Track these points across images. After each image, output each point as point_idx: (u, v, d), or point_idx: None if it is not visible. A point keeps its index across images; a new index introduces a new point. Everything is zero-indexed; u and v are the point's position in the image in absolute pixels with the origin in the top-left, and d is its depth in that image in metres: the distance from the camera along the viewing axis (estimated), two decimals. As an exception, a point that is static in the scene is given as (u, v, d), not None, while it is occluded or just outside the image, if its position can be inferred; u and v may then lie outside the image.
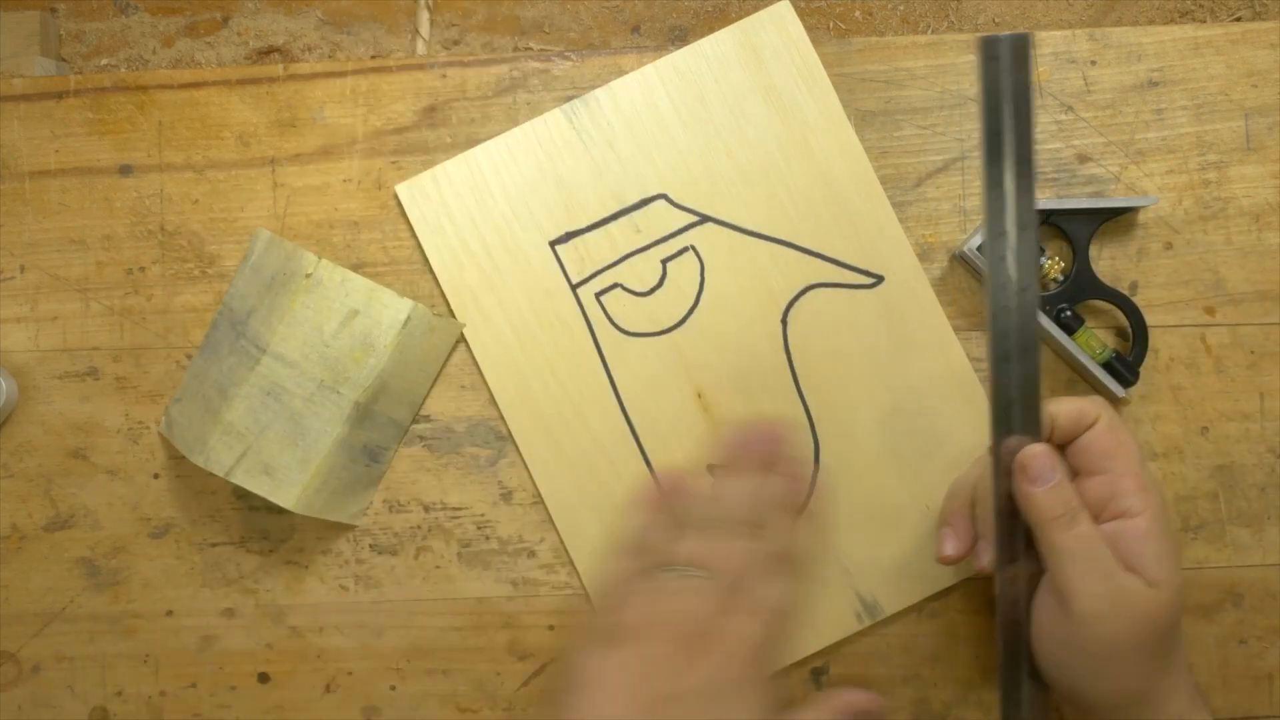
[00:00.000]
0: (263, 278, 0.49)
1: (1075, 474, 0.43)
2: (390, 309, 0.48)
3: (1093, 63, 0.52)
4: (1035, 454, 0.41)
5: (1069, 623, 0.41)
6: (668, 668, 0.41)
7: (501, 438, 0.51)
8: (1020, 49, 0.39)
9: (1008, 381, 0.41)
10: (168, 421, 0.50)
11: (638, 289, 0.51)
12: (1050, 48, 0.52)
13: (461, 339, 0.51)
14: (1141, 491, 0.42)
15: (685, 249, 0.51)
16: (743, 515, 0.43)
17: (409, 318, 0.48)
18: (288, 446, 0.48)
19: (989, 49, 0.39)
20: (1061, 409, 0.43)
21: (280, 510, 0.51)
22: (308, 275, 0.48)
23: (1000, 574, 0.43)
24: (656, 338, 0.51)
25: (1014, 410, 0.41)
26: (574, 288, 0.51)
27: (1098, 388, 0.50)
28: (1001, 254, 0.40)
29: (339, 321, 0.48)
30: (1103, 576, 0.40)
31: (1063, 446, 0.43)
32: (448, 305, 0.51)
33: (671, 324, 0.51)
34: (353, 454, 0.49)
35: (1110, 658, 0.41)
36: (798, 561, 0.43)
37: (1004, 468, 0.42)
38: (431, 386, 0.51)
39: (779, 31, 0.51)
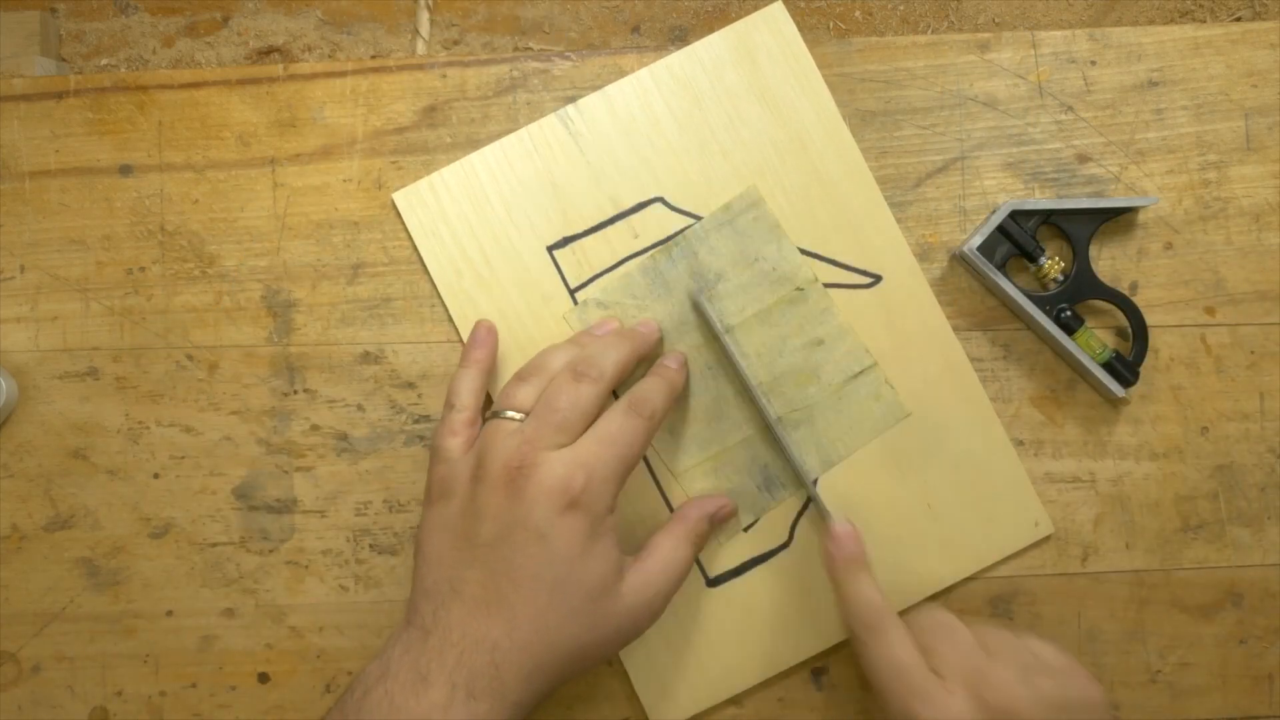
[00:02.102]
0: (742, 248, 0.50)
1: None
2: (850, 356, 0.50)
3: (1093, 63, 0.52)
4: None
5: None
6: (485, 508, 0.42)
7: (501, 438, 0.51)
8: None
9: None
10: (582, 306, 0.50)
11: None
12: (1050, 48, 0.52)
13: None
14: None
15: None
16: (569, 366, 0.44)
17: (861, 372, 0.50)
18: (701, 421, 0.50)
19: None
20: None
21: (280, 510, 0.51)
22: (799, 289, 0.49)
23: None
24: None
25: None
26: (572, 292, 0.51)
27: (1097, 388, 0.50)
28: None
29: (802, 343, 0.49)
30: None
31: None
32: (447, 311, 0.51)
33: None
34: (751, 464, 0.50)
35: None
36: (642, 407, 0.44)
37: None
38: (851, 453, 0.50)
39: (773, 33, 0.51)
